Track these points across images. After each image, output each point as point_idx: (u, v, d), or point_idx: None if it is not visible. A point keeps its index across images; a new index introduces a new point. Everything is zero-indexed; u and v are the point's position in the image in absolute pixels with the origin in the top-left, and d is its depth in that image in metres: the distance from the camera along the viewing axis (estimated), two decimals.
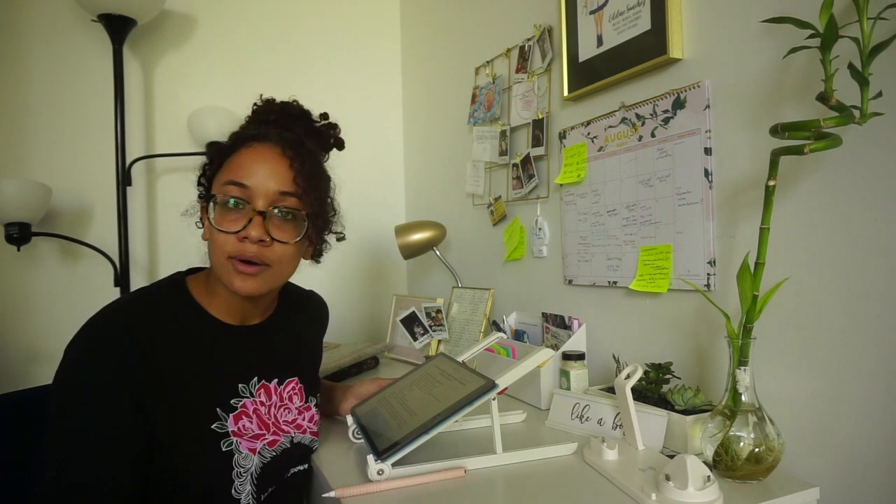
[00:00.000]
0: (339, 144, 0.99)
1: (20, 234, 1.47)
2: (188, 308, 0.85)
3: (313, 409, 0.97)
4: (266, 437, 0.87)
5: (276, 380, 0.91)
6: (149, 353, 0.76)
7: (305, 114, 0.93)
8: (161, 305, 0.82)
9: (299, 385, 0.95)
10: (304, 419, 0.94)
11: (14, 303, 1.63)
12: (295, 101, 0.94)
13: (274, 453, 0.88)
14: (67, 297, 1.68)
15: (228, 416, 0.83)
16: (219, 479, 0.80)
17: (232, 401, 0.84)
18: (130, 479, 0.73)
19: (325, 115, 0.96)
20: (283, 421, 0.91)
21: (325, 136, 0.96)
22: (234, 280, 0.80)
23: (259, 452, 0.85)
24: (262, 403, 0.88)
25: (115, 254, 1.64)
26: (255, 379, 0.88)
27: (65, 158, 1.69)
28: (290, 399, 0.93)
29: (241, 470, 0.82)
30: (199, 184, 0.89)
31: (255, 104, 0.92)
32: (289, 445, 0.90)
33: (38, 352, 1.64)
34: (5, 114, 1.63)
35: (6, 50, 1.63)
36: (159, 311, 0.81)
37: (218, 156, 0.86)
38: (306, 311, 1.06)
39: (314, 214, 0.85)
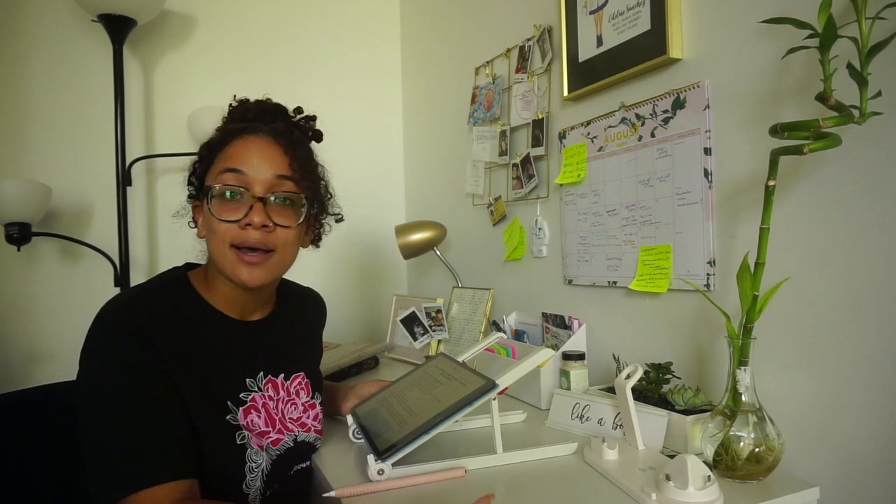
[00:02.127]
0: (317, 136, 0.98)
1: (20, 234, 1.47)
2: (192, 300, 0.85)
3: (318, 407, 0.97)
4: (270, 435, 0.87)
5: (282, 374, 0.92)
6: (170, 335, 0.76)
7: (282, 109, 0.94)
8: (166, 297, 0.82)
9: (306, 380, 0.96)
10: (308, 417, 0.94)
11: (14, 303, 1.63)
12: (268, 98, 0.94)
13: (278, 452, 0.88)
14: (67, 297, 1.68)
15: (238, 410, 0.83)
16: (232, 471, 0.80)
17: (241, 394, 0.84)
18: (185, 436, 0.73)
19: (299, 109, 0.95)
20: (289, 418, 0.91)
21: (303, 129, 0.96)
22: (240, 272, 0.81)
23: (265, 450, 0.85)
24: (271, 398, 0.89)
25: (115, 254, 1.64)
26: (262, 373, 0.89)
27: (65, 158, 1.69)
28: (297, 394, 0.94)
29: (254, 465, 0.83)
30: (189, 182, 0.89)
31: (230, 105, 0.93)
32: (292, 444, 0.91)
33: (38, 352, 1.64)
34: (5, 114, 1.63)
35: (6, 50, 1.63)
36: (165, 302, 0.81)
37: (208, 152, 0.86)
38: (306, 307, 1.06)
39: (311, 197, 0.87)
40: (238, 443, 0.81)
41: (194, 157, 0.89)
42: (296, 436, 0.91)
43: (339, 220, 0.97)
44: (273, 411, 0.88)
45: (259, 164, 0.81)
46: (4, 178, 1.48)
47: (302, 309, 1.04)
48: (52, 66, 1.68)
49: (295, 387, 0.94)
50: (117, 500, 0.68)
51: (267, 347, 0.91)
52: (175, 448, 0.72)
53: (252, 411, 0.85)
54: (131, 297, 0.80)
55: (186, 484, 0.71)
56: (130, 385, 0.72)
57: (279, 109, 0.93)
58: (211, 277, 0.87)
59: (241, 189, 0.80)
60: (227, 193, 0.81)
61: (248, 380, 0.86)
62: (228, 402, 0.82)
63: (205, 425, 0.78)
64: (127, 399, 0.72)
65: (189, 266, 0.92)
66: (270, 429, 0.87)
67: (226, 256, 0.81)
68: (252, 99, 0.93)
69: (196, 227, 0.89)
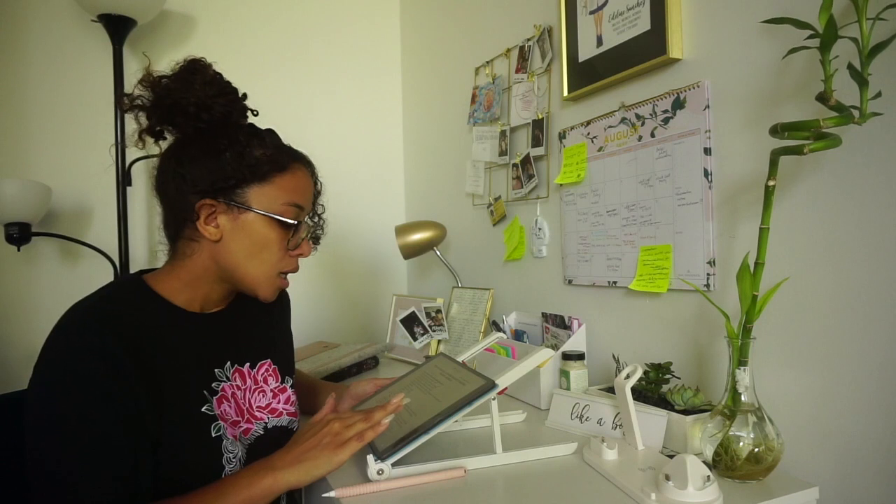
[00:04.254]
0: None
1: (20, 234, 1.47)
2: (150, 299, 0.84)
3: (289, 391, 0.98)
4: (241, 424, 0.88)
5: (248, 363, 0.93)
6: (133, 346, 0.76)
7: (233, 90, 0.90)
8: (124, 300, 0.82)
9: (273, 366, 0.97)
10: (279, 402, 0.95)
11: (14, 303, 1.63)
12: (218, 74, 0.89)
13: (249, 441, 0.88)
14: (67, 297, 1.67)
15: (213, 400, 0.84)
16: (210, 464, 0.80)
17: (213, 384, 0.85)
18: (135, 471, 0.73)
19: (245, 96, 0.90)
20: (257, 406, 0.92)
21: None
22: (273, 293, 0.89)
23: (238, 439, 0.86)
24: (238, 387, 0.90)
25: (115, 254, 1.64)
26: (229, 363, 0.89)
27: (65, 158, 1.69)
28: (266, 381, 0.95)
29: (231, 456, 0.83)
30: (220, 176, 0.82)
31: (182, 64, 0.87)
32: (262, 432, 0.91)
33: (37, 352, 1.63)
34: (5, 114, 1.63)
35: (6, 50, 1.63)
36: (125, 305, 0.81)
37: (256, 164, 0.83)
38: None
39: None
40: (214, 434, 0.81)
41: (226, 150, 0.83)
42: (265, 423, 0.92)
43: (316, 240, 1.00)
44: (241, 401, 0.89)
45: (309, 200, 0.91)
46: (4, 178, 1.48)
47: None
48: (51, 66, 1.68)
49: (262, 374, 0.94)
50: None
51: (230, 337, 0.92)
52: (121, 477, 0.71)
53: (223, 401, 0.86)
54: (91, 307, 0.79)
55: None
56: (85, 407, 0.71)
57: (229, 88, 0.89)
58: (182, 278, 0.85)
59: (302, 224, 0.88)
60: (302, 227, 0.88)
61: (216, 370, 0.87)
62: (205, 392, 0.83)
63: (178, 427, 0.78)
64: (78, 423, 0.71)
65: (142, 272, 0.90)
66: (240, 418, 0.88)
67: (270, 280, 0.87)
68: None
69: (213, 227, 0.83)
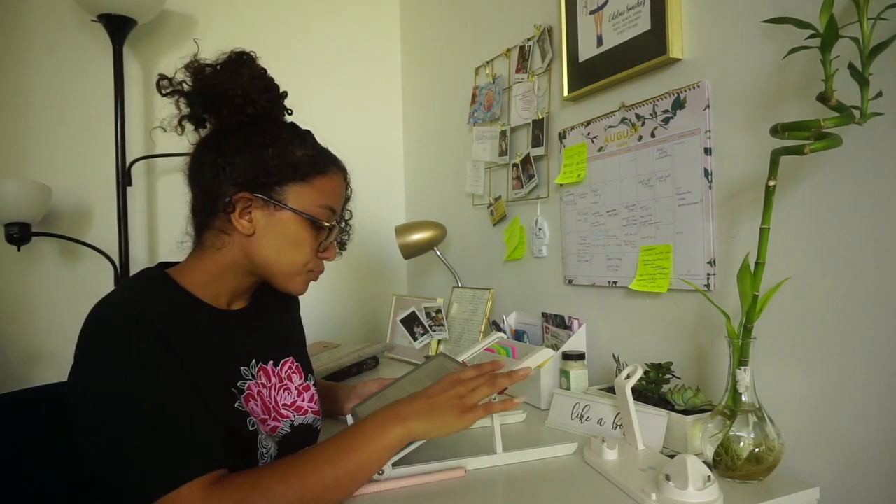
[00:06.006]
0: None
1: (20, 234, 1.47)
2: (178, 293, 0.83)
3: (312, 389, 0.97)
4: (268, 423, 0.87)
5: (271, 361, 0.92)
6: (172, 330, 0.75)
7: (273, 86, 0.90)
8: (154, 292, 0.81)
9: (296, 364, 0.96)
10: (303, 400, 0.95)
11: (14, 303, 1.63)
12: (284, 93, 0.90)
13: (277, 439, 0.88)
14: (67, 297, 1.68)
15: (241, 398, 0.83)
16: (246, 459, 0.80)
17: (239, 383, 0.85)
18: (214, 426, 0.73)
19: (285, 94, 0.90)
20: (283, 405, 0.91)
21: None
22: (304, 287, 0.90)
23: (269, 436, 0.85)
24: (264, 385, 0.89)
25: (115, 254, 1.64)
26: (253, 361, 0.89)
27: (65, 158, 1.69)
28: (290, 378, 0.94)
29: (264, 451, 0.83)
30: (259, 168, 0.82)
31: (230, 55, 0.84)
32: (289, 430, 0.91)
33: (38, 352, 1.64)
34: (5, 114, 1.63)
35: (6, 50, 1.63)
36: (156, 297, 0.80)
37: (297, 164, 0.84)
38: (277, 291, 1.05)
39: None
40: (250, 429, 0.81)
41: (269, 146, 0.83)
42: (292, 421, 0.91)
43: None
44: (267, 399, 0.88)
45: (341, 204, 0.91)
46: (4, 178, 1.48)
47: (274, 293, 1.02)
48: (52, 66, 1.68)
49: (286, 371, 0.94)
50: (155, 499, 0.66)
51: (254, 335, 0.91)
52: (209, 439, 0.71)
53: (250, 399, 0.85)
54: (124, 296, 0.78)
55: (219, 474, 0.70)
56: (155, 381, 0.70)
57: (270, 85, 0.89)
58: (210, 271, 0.85)
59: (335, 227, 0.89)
60: (334, 230, 0.87)
61: (242, 369, 0.86)
62: (233, 390, 0.83)
63: (219, 414, 0.78)
64: (155, 395, 0.70)
65: (163, 265, 0.89)
66: (267, 416, 0.87)
67: (300, 275, 0.88)
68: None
69: (244, 220, 0.83)
